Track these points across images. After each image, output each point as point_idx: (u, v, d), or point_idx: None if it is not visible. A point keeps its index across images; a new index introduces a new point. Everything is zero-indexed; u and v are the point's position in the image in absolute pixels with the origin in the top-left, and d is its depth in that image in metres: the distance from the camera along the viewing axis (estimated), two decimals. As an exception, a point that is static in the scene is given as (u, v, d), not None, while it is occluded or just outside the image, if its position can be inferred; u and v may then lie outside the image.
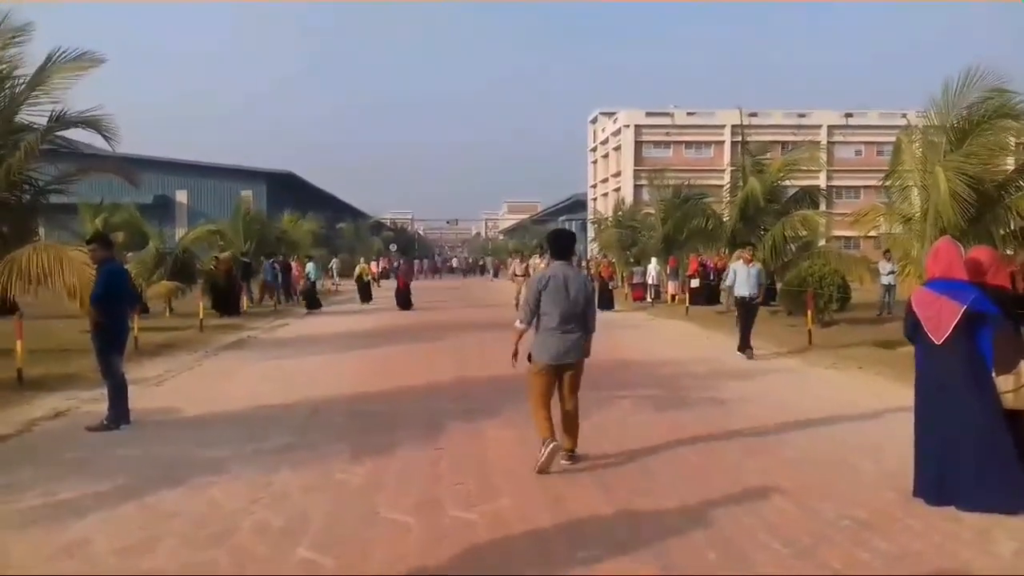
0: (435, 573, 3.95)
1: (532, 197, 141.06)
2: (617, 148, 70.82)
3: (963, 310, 4.75)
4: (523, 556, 4.12)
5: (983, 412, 4.74)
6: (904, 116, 20.66)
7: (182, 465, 5.87)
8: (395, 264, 26.22)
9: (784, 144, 34.31)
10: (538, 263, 20.65)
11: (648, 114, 68.47)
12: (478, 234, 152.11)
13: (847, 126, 66.54)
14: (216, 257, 21.97)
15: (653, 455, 6.20)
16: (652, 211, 29.58)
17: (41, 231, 14.75)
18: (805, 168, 21.58)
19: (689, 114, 68.13)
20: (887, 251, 18.64)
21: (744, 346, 12.01)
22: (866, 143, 65.11)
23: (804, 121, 62.06)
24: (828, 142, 61.12)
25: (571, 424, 5.94)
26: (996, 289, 4.99)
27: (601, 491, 5.25)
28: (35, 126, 11.46)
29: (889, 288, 18.69)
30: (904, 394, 5.36)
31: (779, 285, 19.18)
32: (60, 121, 11.41)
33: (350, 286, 32.05)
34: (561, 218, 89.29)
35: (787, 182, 21.07)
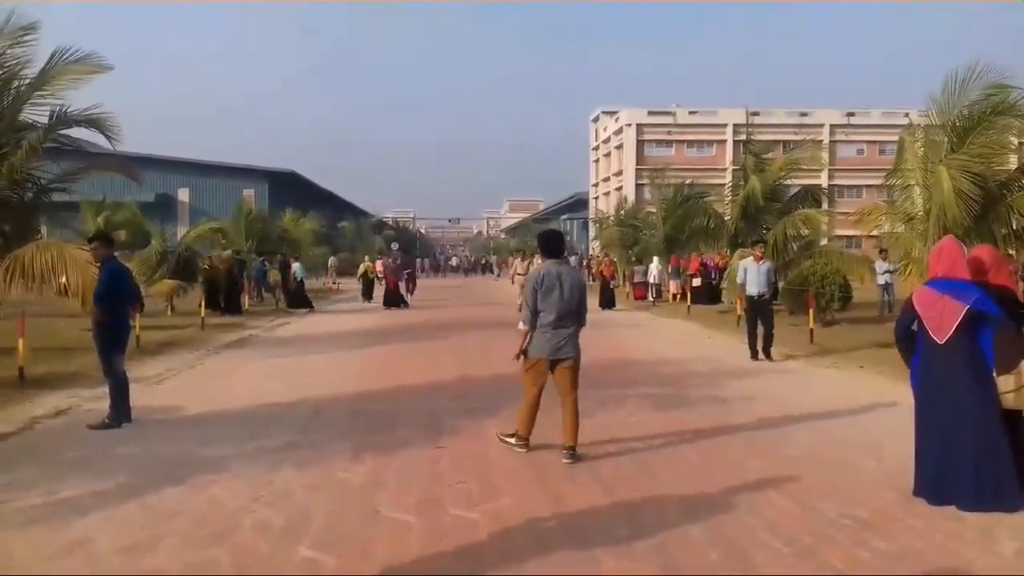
0: (436, 572, 3.96)
1: (534, 196, 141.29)
2: (619, 147, 70.82)
3: (966, 310, 4.75)
4: (524, 555, 4.12)
5: (984, 412, 4.73)
6: (907, 115, 20.63)
7: (183, 463, 5.88)
8: (392, 262, 26.15)
9: (786, 143, 34.26)
10: (540, 263, 20.62)
11: (650, 113, 68.47)
12: (480, 233, 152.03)
13: (849, 125, 66.53)
14: (209, 257, 21.97)
15: (654, 454, 6.21)
16: (654, 210, 29.60)
17: (43, 229, 14.75)
18: (807, 167, 21.59)
19: (691, 113, 68.11)
20: (883, 250, 18.62)
21: (767, 348, 11.56)
22: (868, 142, 65.12)
23: (806, 120, 62.02)
24: (830, 141, 61.23)
25: (571, 423, 6.00)
26: (998, 289, 4.98)
27: (602, 490, 5.25)
28: (37, 124, 11.47)
29: (886, 287, 18.65)
30: (905, 393, 5.36)
31: (781, 284, 19.16)
32: (62, 120, 11.42)
33: (351, 285, 32.10)
34: (563, 216, 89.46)
35: (789, 181, 21.07)
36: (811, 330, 13.69)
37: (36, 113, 11.44)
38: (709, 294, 23.05)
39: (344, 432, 7.00)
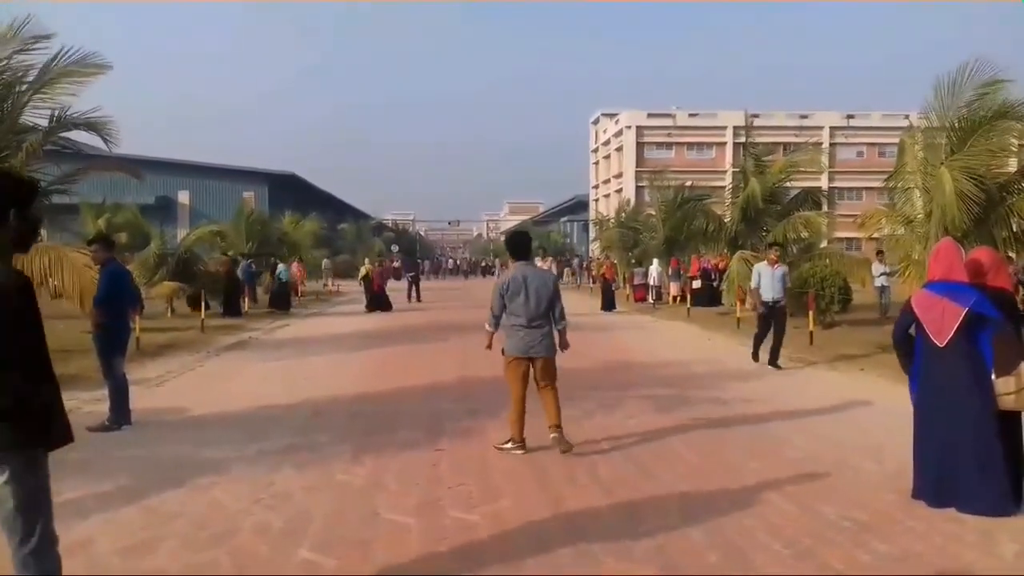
0: (436, 574, 3.96)
1: (534, 198, 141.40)
2: (619, 149, 70.85)
3: (965, 312, 4.75)
4: (524, 556, 4.12)
5: (983, 414, 4.73)
6: (907, 117, 20.65)
7: (183, 465, 5.88)
8: (379, 265, 26.21)
9: (786, 145, 34.32)
10: (539, 264, 20.65)
11: (650, 115, 68.53)
12: (479, 235, 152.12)
13: (849, 127, 66.57)
14: (205, 262, 21.96)
15: (654, 456, 6.20)
16: (653, 212, 29.61)
17: (43, 232, 14.76)
18: (807, 169, 21.58)
19: (691, 115, 68.18)
20: (879, 252, 18.61)
21: (775, 356, 11.02)
22: (868, 144, 65.15)
23: (806, 122, 62.09)
24: (830, 143, 61.25)
25: (552, 405, 6.27)
26: (997, 291, 4.99)
27: (602, 491, 5.25)
28: (38, 127, 11.48)
29: (883, 289, 18.65)
30: (905, 396, 5.35)
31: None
32: (62, 123, 11.43)
33: (351, 287, 32.10)
34: (563, 219, 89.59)
35: (789, 183, 21.07)
36: (811, 332, 13.70)
37: (36, 115, 11.47)
38: (709, 296, 23.05)
39: (344, 434, 7.00)
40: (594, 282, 39.37)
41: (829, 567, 3.98)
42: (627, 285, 28.78)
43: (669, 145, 67.63)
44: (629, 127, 68.34)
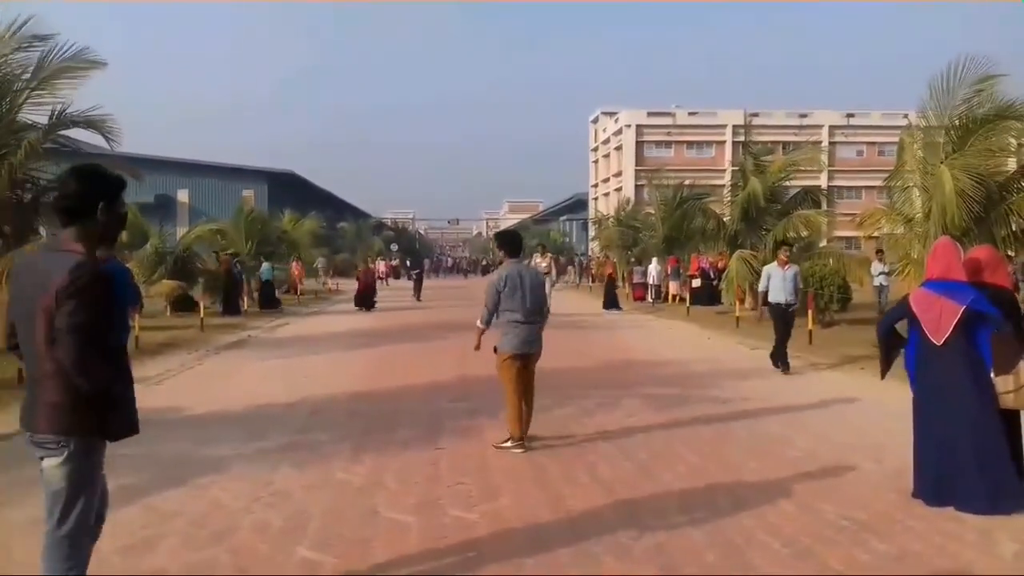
0: (435, 572, 3.96)
1: (533, 197, 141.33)
2: (618, 148, 70.81)
3: (963, 310, 4.75)
4: (523, 555, 4.12)
5: (982, 413, 4.74)
6: (906, 116, 20.65)
7: (183, 464, 5.88)
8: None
9: (785, 144, 34.28)
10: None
11: (649, 114, 68.47)
12: (479, 234, 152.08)
13: (848, 126, 66.55)
14: (204, 259, 21.89)
15: (654, 455, 6.21)
16: (653, 211, 29.62)
17: (42, 230, 14.74)
18: (806, 168, 21.58)
19: (690, 114, 68.11)
20: (879, 251, 18.61)
21: (779, 359, 10.67)
22: (867, 143, 65.14)
23: (806, 121, 62.06)
24: (829, 142, 61.24)
25: (529, 416, 6.39)
26: (997, 289, 4.99)
27: (601, 490, 5.26)
28: (37, 125, 11.47)
29: (881, 289, 18.65)
30: (905, 395, 5.36)
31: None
32: (61, 121, 11.43)
33: (351, 286, 32.07)
34: (562, 217, 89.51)
35: (788, 182, 21.08)
36: (810, 331, 13.69)
37: (35, 113, 11.47)
38: (708, 295, 23.06)
39: (343, 433, 7.00)
40: (593, 281, 39.44)
41: (828, 567, 3.98)
42: (626, 284, 28.81)
43: (669, 144, 67.60)
44: (629, 126, 68.30)
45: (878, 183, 24.80)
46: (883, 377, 5.41)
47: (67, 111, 11.42)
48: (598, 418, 7.50)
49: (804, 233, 19.43)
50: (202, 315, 16.72)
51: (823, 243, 23.06)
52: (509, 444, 6.28)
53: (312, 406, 8.24)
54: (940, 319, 4.84)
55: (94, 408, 2.83)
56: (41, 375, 2.83)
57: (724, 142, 65.57)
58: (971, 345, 4.81)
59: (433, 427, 7.23)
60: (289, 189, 50.95)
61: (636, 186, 58.19)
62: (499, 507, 4.92)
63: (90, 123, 11.64)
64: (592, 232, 50.83)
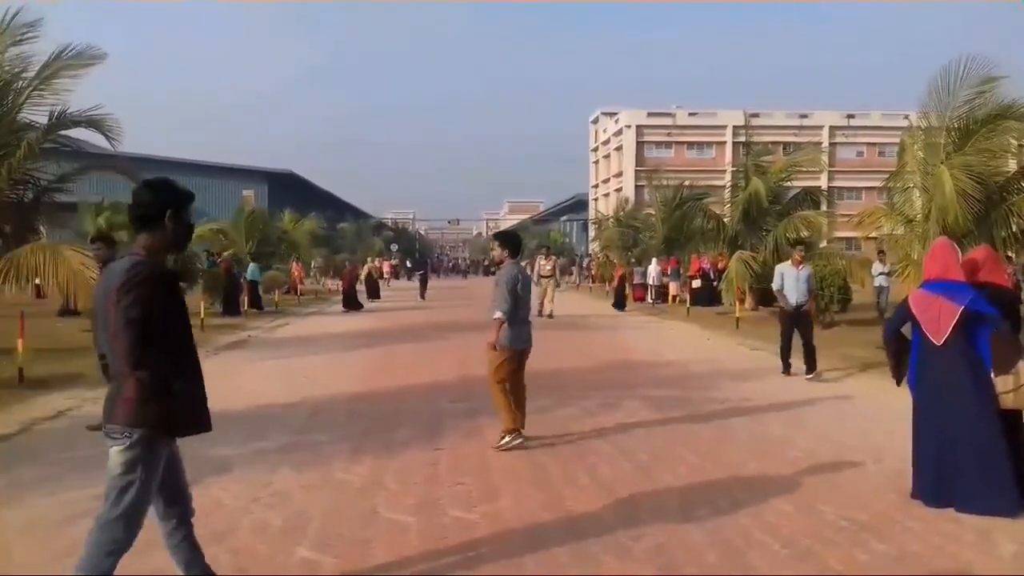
0: (435, 573, 3.96)
1: (534, 197, 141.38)
2: (619, 148, 70.82)
3: (962, 310, 4.76)
4: (523, 556, 4.12)
5: (982, 413, 4.74)
6: (906, 117, 20.67)
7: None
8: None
9: (786, 145, 34.31)
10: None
11: (650, 114, 68.48)
12: (479, 234, 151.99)
13: (849, 127, 66.54)
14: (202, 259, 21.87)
15: (654, 455, 6.21)
16: (653, 211, 29.63)
17: (43, 230, 14.75)
18: (806, 169, 21.59)
19: (691, 114, 68.12)
20: (881, 252, 18.62)
21: (811, 362, 10.25)
22: (868, 144, 65.13)
23: (806, 122, 62.13)
24: (830, 143, 61.25)
25: (521, 401, 6.55)
26: (996, 289, 4.99)
27: (601, 491, 5.26)
28: (37, 124, 11.46)
29: (881, 289, 18.65)
30: (905, 396, 5.36)
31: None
32: (62, 120, 11.41)
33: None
34: (563, 218, 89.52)
35: (788, 183, 21.09)
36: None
37: (35, 113, 11.45)
38: (709, 296, 23.06)
39: (343, 433, 7.00)
40: (593, 282, 39.48)
41: (827, 567, 3.98)
42: (627, 284, 28.82)
43: (669, 144, 67.59)
44: (629, 126, 68.31)
45: (878, 184, 24.75)
46: (899, 383, 5.32)
47: (68, 110, 11.41)
48: (598, 418, 7.50)
49: (804, 233, 19.43)
50: (202, 315, 16.71)
51: (823, 243, 23.07)
52: (508, 439, 6.29)
53: (312, 406, 8.24)
54: (939, 319, 4.84)
55: (160, 403, 2.99)
56: (117, 373, 3.01)
57: (724, 143, 65.55)
58: (970, 345, 4.82)
59: (433, 427, 7.23)
60: (289, 189, 50.98)
61: (636, 186, 58.17)
62: (499, 507, 4.92)
63: (91, 122, 11.62)
64: (592, 233, 50.82)
